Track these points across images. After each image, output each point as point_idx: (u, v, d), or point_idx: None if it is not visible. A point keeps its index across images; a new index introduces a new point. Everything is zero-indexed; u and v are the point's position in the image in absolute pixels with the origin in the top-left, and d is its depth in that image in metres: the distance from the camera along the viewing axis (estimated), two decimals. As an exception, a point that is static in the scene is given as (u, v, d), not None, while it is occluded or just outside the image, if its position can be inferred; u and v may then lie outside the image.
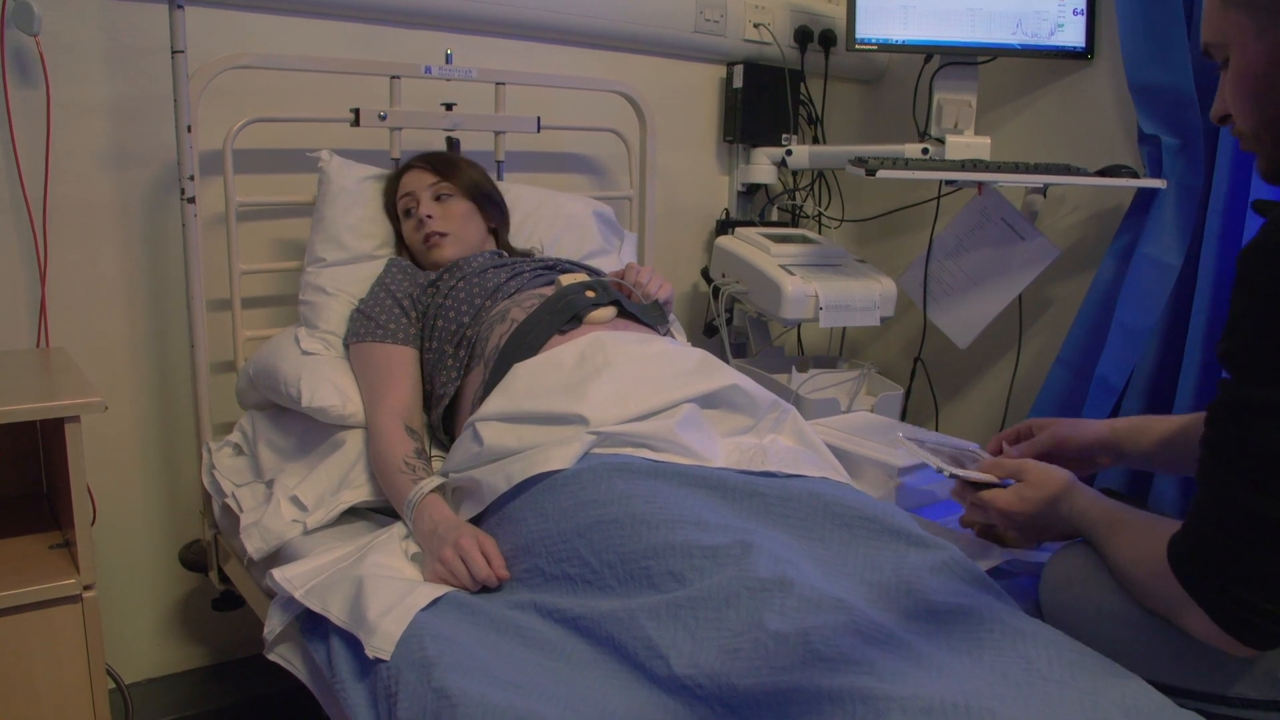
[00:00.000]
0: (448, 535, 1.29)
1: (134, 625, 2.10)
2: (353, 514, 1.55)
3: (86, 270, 1.92)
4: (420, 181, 1.83)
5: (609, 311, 1.56)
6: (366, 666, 1.12)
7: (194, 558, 1.97)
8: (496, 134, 2.16)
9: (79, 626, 1.36)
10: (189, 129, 1.78)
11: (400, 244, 1.92)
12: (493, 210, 1.90)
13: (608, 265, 1.96)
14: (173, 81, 1.76)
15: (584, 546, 1.15)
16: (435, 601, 1.18)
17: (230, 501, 1.67)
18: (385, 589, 1.20)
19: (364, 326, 1.69)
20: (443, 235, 1.79)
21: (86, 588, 1.36)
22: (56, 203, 1.88)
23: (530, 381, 1.40)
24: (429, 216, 1.79)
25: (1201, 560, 0.99)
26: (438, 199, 1.82)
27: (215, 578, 1.91)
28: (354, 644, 1.15)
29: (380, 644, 1.11)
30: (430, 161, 1.86)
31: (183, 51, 1.75)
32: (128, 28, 1.90)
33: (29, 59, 1.82)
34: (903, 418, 2.45)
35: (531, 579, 1.21)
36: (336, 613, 1.20)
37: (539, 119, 2.17)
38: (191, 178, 1.80)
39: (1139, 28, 2.03)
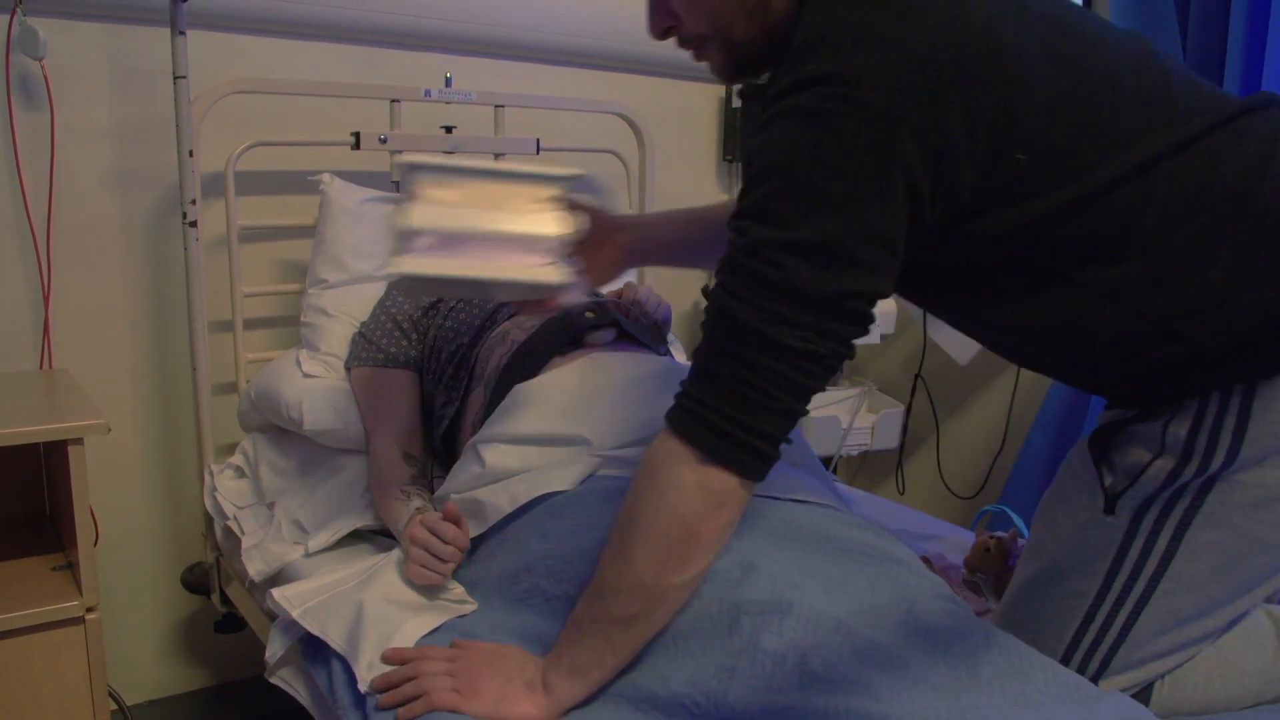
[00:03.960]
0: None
1: (136, 646, 2.11)
2: (355, 537, 1.56)
3: (90, 292, 1.93)
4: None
5: (608, 332, 1.56)
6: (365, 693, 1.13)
7: (196, 580, 1.97)
8: (496, 156, 2.17)
9: (82, 648, 1.37)
10: (190, 153, 1.79)
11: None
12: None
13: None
14: (175, 107, 1.78)
15: (586, 568, 1.16)
16: (435, 630, 1.19)
17: (232, 524, 1.67)
18: (384, 617, 1.20)
19: (364, 350, 1.70)
20: None
21: (89, 610, 1.37)
22: (60, 225, 1.89)
23: (531, 403, 1.41)
24: None
25: (700, 401, 0.98)
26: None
27: (217, 600, 1.92)
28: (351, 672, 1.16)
29: (373, 676, 1.12)
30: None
31: (185, 77, 1.76)
32: (130, 52, 1.92)
33: (34, 83, 1.83)
34: (904, 434, 2.46)
35: (532, 599, 1.21)
36: (335, 638, 1.20)
37: (538, 141, 2.18)
38: (194, 202, 1.81)
39: (1134, 26, 2.05)
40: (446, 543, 1.28)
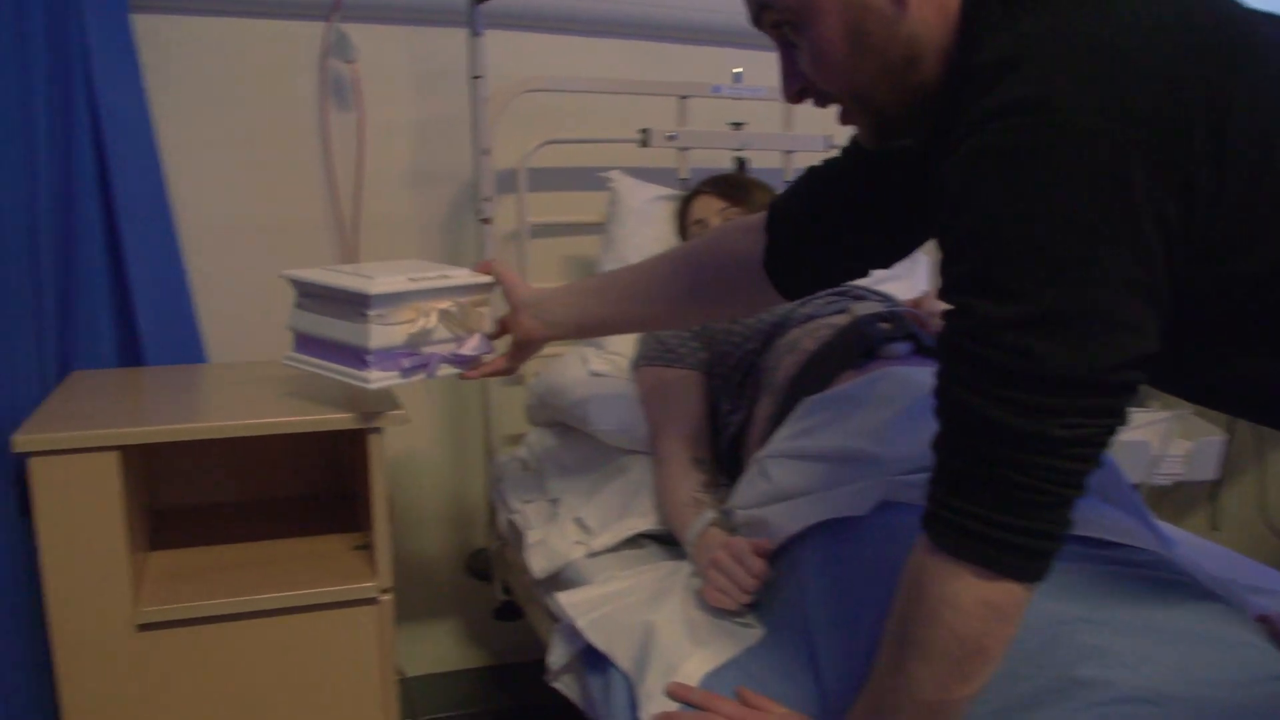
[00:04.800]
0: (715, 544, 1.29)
1: (418, 621, 2.20)
2: (637, 540, 1.55)
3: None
4: (710, 207, 1.81)
5: (905, 345, 1.48)
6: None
7: (479, 566, 2.03)
8: (785, 153, 2.12)
9: (374, 627, 1.41)
10: (486, 151, 1.83)
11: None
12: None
13: (901, 292, 1.88)
14: (471, 106, 1.82)
15: (867, 616, 1.08)
16: (723, 665, 1.15)
17: (516, 517, 1.70)
18: (673, 645, 1.18)
19: (654, 350, 1.69)
20: None
21: (383, 591, 1.41)
22: (366, 220, 1.98)
23: (821, 417, 1.35)
24: None
25: (963, 512, 0.84)
26: (727, 224, 1.80)
27: (498, 588, 1.96)
28: (632, 691, 1.15)
29: (657, 710, 1.10)
30: (719, 186, 1.84)
31: (481, 77, 1.80)
32: (431, 53, 1.98)
33: (345, 85, 1.93)
34: (1222, 467, 2.23)
35: (811, 635, 1.15)
36: (621, 658, 1.19)
37: (829, 137, 2.12)
38: (487, 199, 1.85)
39: None
40: (751, 575, 1.24)
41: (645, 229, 1.92)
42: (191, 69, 1.84)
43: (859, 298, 1.67)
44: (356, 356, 1.28)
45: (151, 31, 1.78)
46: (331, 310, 1.31)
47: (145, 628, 1.30)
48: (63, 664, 1.27)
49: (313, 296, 1.34)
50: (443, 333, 1.34)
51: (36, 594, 1.26)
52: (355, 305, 1.27)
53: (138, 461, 1.41)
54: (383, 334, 1.27)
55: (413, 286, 1.29)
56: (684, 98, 2.03)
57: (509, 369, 1.46)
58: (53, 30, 1.52)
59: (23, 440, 1.21)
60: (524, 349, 1.43)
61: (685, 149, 2.02)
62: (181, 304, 1.77)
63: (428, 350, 1.33)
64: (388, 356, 1.29)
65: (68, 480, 1.23)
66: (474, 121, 1.83)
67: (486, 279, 1.40)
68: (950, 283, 0.84)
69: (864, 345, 1.46)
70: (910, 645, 0.89)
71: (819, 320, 1.58)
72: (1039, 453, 0.80)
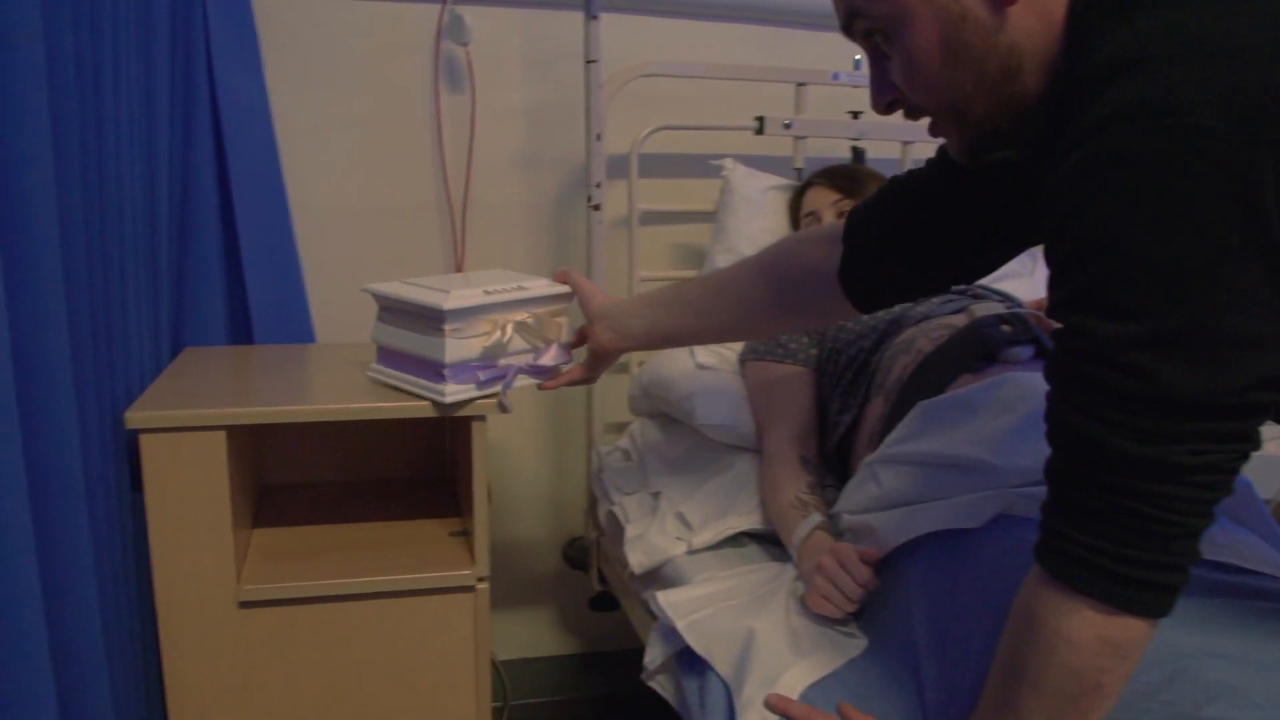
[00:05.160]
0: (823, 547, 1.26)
1: (512, 606, 2.20)
2: (738, 539, 1.51)
3: (497, 268, 2.01)
4: (823, 199, 1.75)
5: (1026, 349, 1.41)
6: None
7: (576, 555, 2.02)
8: (904, 144, 2.05)
9: (470, 614, 1.41)
10: (598, 137, 1.81)
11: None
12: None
13: (1022, 291, 1.80)
14: (585, 90, 1.80)
15: (973, 642, 1.03)
16: (825, 678, 1.12)
17: (616, 510, 1.68)
18: (774, 655, 1.15)
19: (763, 344, 1.65)
20: None
21: (480, 579, 1.41)
22: (474, 203, 1.98)
23: (936, 422, 1.29)
24: None
25: (1081, 544, 0.79)
26: (841, 217, 1.74)
27: (594, 578, 1.95)
28: (729, 695, 1.13)
29: None
30: (833, 177, 1.78)
31: (596, 61, 1.78)
32: (544, 36, 1.96)
33: (459, 67, 1.92)
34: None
35: (911, 652, 1.11)
36: (720, 664, 1.17)
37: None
38: (598, 185, 1.83)
39: None
40: (857, 583, 1.20)
41: (758, 219, 1.87)
42: (308, 50, 1.85)
43: (979, 297, 1.60)
44: (433, 370, 1.31)
45: (270, 13, 1.79)
46: (409, 324, 1.33)
47: (246, 605, 1.32)
48: (166, 637, 1.30)
49: (392, 310, 1.37)
50: (520, 344, 1.35)
51: (145, 567, 1.29)
52: (430, 320, 1.29)
53: (244, 440, 1.42)
54: (458, 348, 1.29)
55: (488, 300, 1.30)
56: (801, 84, 1.98)
57: (587, 379, 1.46)
58: (176, 11, 1.54)
59: (134, 417, 1.23)
60: (600, 360, 1.44)
61: (801, 138, 1.96)
62: (292, 284, 1.79)
63: (505, 362, 1.34)
64: (464, 370, 1.30)
65: (176, 457, 1.25)
66: (587, 106, 1.80)
67: (563, 289, 1.41)
68: (1062, 301, 0.79)
69: (983, 348, 1.40)
70: (1022, 679, 0.85)
71: (936, 320, 1.51)
72: (1164, 481, 0.76)
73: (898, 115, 0.98)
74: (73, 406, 1.03)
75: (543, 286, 1.39)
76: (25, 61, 0.92)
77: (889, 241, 1.19)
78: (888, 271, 1.20)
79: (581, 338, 1.45)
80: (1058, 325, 0.79)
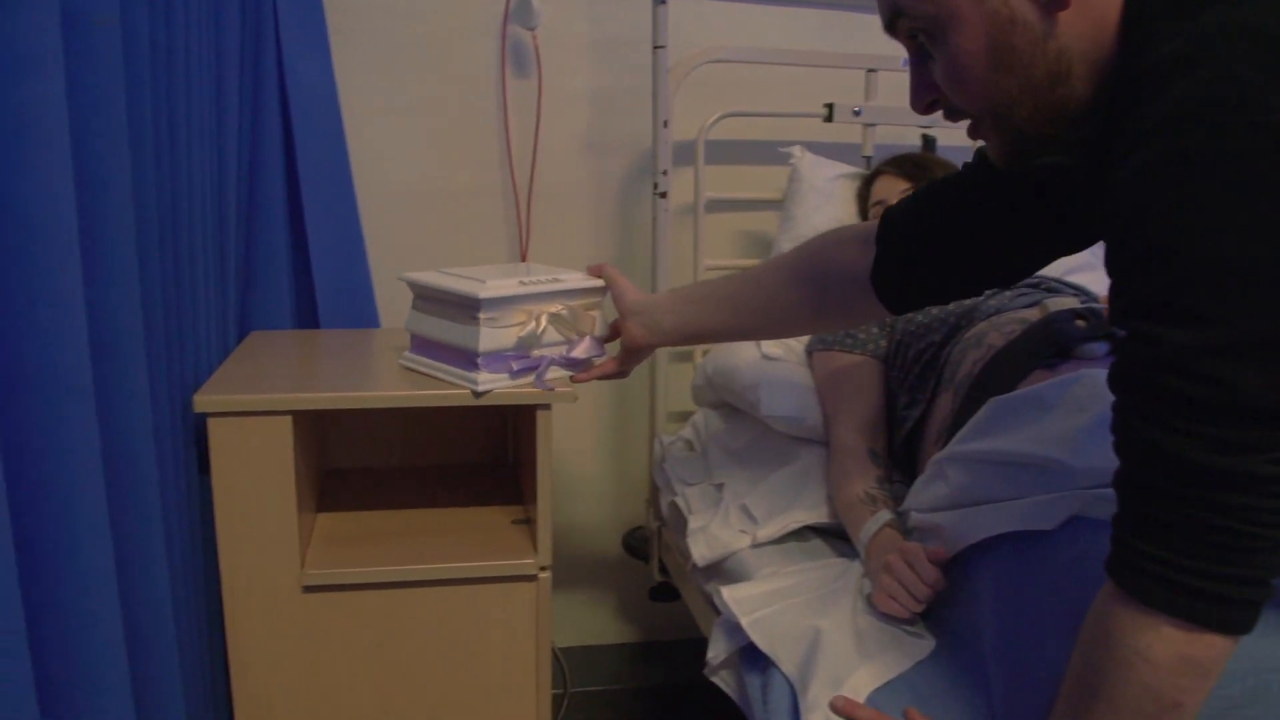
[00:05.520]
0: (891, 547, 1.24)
1: (572, 594, 2.20)
2: (802, 533, 1.50)
3: (560, 255, 2.01)
4: (892, 188, 1.72)
5: (1102, 345, 1.37)
6: None
7: (637, 545, 2.01)
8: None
9: (532, 602, 1.41)
10: (665, 123, 1.79)
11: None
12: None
13: (1096, 285, 1.76)
14: (652, 76, 1.78)
15: (1043, 649, 1.01)
16: (892, 682, 1.10)
17: (679, 501, 1.67)
18: (840, 655, 1.14)
19: (832, 334, 1.63)
20: None
21: (542, 568, 1.41)
22: (539, 189, 1.97)
23: (1008, 420, 1.26)
24: None
25: (1157, 559, 0.76)
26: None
27: (655, 568, 1.94)
28: (793, 694, 1.11)
29: None
30: (902, 166, 1.75)
31: (664, 47, 1.76)
32: (611, 19, 1.95)
33: (525, 52, 1.91)
34: None
35: (982, 657, 1.09)
36: (785, 663, 1.15)
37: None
38: (665, 172, 1.81)
39: None
40: (925, 583, 1.18)
41: (826, 208, 1.85)
42: (375, 35, 1.86)
43: (1053, 290, 1.56)
44: (467, 359, 1.32)
45: (338, -3, 1.80)
46: (444, 313, 1.35)
47: (310, 589, 1.33)
48: (231, 620, 1.31)
49: (427, 299, 1.39)
50: (553, 335, 1.37)
51: (211, 551, 1.30)
52: (466, 308, 1.30)
53: (308, 424, 1.43)
54: (492, 337, 1.30)
55: (523, 290, 1.31)
56: (871, 70, 1.95)
57: (620, 373, 1.46)
58: (247, -6, 1.55)
59: (202, 401, 1.24)
60: (632, 355, 1.44)
61: (871, 125, 1.94)
62: (357, 268, 1.79)
63: (538, 353, 1.36)
64: (498, 359, 1.32)
65: (243, 441, 1.26)
66: (654, 92, 1.79)
67: (598, 283, 1.42)
68: (1127, 309, 0.76)
69: (1057, 343, 1.36)
70: (1097, 697, 0.83)
71: (1008, 314, 1.48)
72: (1245, 492, 0.73)
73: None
74: (146, 390, 1.03)
75: (577, 279, 1.40)
76: (103, 47, 0.92)
77: (923, 244, 1.18)
78: (921, 274, 1.20)
79: (615, 332, 1.45)
80: (1131, 333, 0.77)
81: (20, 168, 0.80)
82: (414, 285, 1.39)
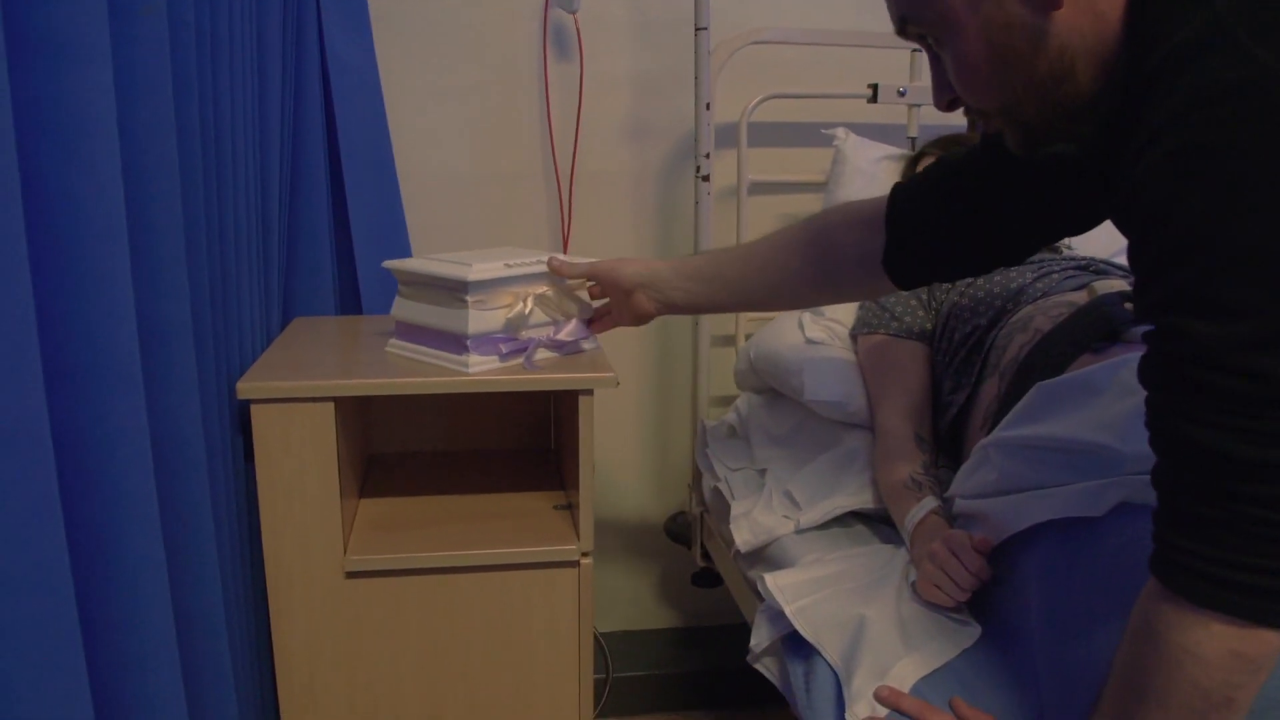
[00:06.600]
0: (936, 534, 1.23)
1: (614, 579, 2.20)
2: (845, 519, 1.49)
3: (603, 238, 2.00)
4: (935, 170, 1.71)
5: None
6: (844, 712, 1.07)
7: (679, 530, 2.01)
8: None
9: (574, 589, 1.41)
10: (708, 106, 1.78)
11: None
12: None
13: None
14: (694, 58, 1.77)
15: (1089, 639, 0.99)
16: (938, 671, 1.09)
17: (721, 486, 1.67)
18: (885, 644, 1.13)
19: (876, 317, 1.61)
20: None
21: (584, 554, 1.41)
22: (581, 172, 1.97)
23: (1054, 405, 1.24)
24: None
25: (1201, 555, 0.75)
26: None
27: (697, 554, 1.94)
28: (837, 683, 1.11)
29: (862, 713, 1.05)
30: (947, 147, 1.73)
31: (706, 28, 1.75)
32: (653, 2, 1.94)
33: (567, 35, 1.90)
34: None
35: (1027, 647, 1.08)
36: (830, 652, 1.15)
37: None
38: (707, 155, 1.80)
39: None
40: (970, 572, 1.17)
41: (870, 190, 1.83)
42: (417, 19, 1.86)
43: (1101, 273, 1.54)
44: (456, 342, 1.33)
45: (380, -20, 1.80)
46: (431, 298, 1.36)
47: (353, 575, 1.34)
48: (275, 605, 1.32)
49: (414, 285, 1.39)
50: (540, 317, 1.38)
51: (256, 536, 1.31)
52: (454, 291, 1.31)
53: (351, 410, 1.44)
54: (481, 319, 1.31)
55: (509, 272, 1.33)
56: (916, 50, 1.92)
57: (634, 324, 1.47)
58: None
59: (246, 387, 1.24)
60: (642, 320, 1.44)
61: (916, 105, 1.91)
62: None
63: (526, 334, 1.37)
64: (486, 341, 1.33)
65: (286, 428, 1.27)
66: (696, 74, 1.78)
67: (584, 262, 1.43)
68: (1155, 302, 0.75)
69: (1106, 327, 1.34)
70: (1145, 695, 0.82)
71: (1055, 297, 1.45)
72: None
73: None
74: (195, 379, 1.04)
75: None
76: (149, 34, 0.93)
77: (934, 224, 1.20)
78: (931, 253, 1.22)
79: (603, 311, 1.46)
80: (1160, 327, 0.76)
81: (68, 157, 0.80)
82: (400, 272, 1.40)
